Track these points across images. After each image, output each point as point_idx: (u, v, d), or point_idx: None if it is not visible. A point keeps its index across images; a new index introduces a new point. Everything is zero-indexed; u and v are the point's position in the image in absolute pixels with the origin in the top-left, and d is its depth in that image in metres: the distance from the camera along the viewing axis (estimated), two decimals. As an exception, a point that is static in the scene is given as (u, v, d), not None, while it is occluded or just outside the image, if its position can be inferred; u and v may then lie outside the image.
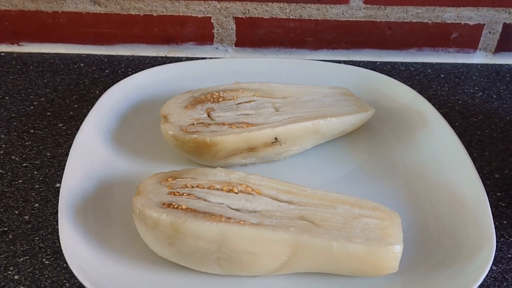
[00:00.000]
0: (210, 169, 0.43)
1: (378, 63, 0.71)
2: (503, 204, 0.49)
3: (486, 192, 0.44)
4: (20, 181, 0.50)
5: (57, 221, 0.45)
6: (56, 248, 0.44)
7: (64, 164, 0.49)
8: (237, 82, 0.54)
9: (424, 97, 0.57)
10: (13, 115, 0.59)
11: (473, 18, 0.69)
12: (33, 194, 0.49)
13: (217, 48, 0.71)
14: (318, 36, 0.70)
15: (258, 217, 0.39)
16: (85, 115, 0.53)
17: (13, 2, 0.67)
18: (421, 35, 0.70)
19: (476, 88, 0.67)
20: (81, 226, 0.42)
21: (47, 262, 0.42)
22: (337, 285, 0.40)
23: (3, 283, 0.40)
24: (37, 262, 0.42)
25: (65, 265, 0.42)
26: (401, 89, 0.58)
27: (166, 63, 0.66)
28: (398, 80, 0.60)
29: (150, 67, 0.64)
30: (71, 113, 0.59)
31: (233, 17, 0.69)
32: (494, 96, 0.65)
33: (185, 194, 0.40)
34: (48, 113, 0.59)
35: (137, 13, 0.68)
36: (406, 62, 0.71)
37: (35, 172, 0.51)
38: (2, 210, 0.47)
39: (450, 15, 0.68)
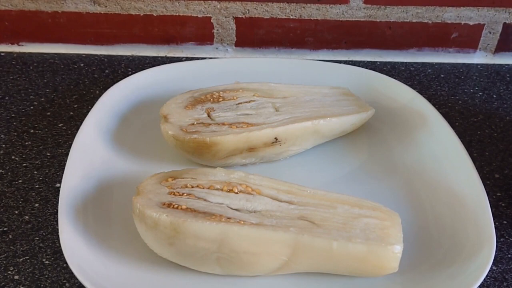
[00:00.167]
0: (210, 169, 0.43)
1: (378, 63, 0.71)
2: (503, 204, 0.49)
3: (486, 192, 0.44)
4: (20, 181, 0.50)
5: (57, 221, 0.45)
6: (56, 248, 0.44)
7: (64, 164, 0.49)
8: (237, 82, 0.54)
9: (424, 97, 0.57)
10: (13, 115, 0.59)
11: (473, 18, 0.69)
12: (33, 194, 0.49)
13: (217, 48, 0.71)
14: (318, 36, 0.70)
15: (258, 217, 0.39)
16: (85, 115, 0.53)
17: (13, 2, 0.67)
18: (421, 35, 0.70)
19: (476, 88, 0.67)
20: (81, 226, 0.42)
21: (47, 262, 0.42)
22: (337, 285, 0.40)
23: (3, 283, 0.40)
24: (37, 262, 0.42)
25: (65, 265, 0.42)
26: (401, 89, 0.58)
27: (166, 63, 0.66)
28: (398, 80, 0.60)
29: (150, 67, 0.64)
30: (71, 113, 0.59)
31: (233, 17, 0.69)
32: (494, 96, 0.65)
33: (185, 194, 0.40)
34: (48, 113, 0.59)
35: (137, 13, 0.68)
36: (406, 62, 0.71)
37: (35, 172, 0.51)
38: (2, 210, 0.47)
39: (450, 15, 0.68)
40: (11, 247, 0.44)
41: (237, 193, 0.41)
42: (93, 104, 0.54)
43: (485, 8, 0.68)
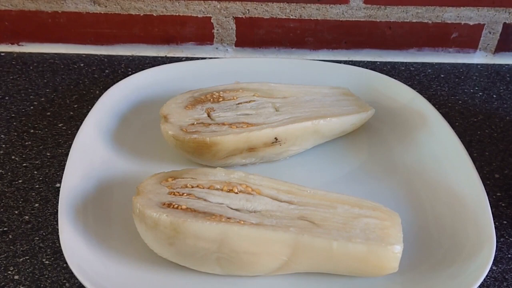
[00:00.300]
0: (210, 169, 0.43)
1: (378, 63, 0.71)
2: (503, 204, 0.49)
3: (486, 192, 0.44)
4: (20, 181, 0.50)
5: (57, 221, 0.45)
6: (56, 248, 0.44)
7: (64, 164, 0.49)
8: (237, 82, 0.54)
9: (424, 97, 0.57)
10: (13, 115, 0.59)
11: (473, 18, 0.69)
12: (33, 194, 0.49)
13: (217, 48, 0.71)
14: (318, 36, 0.70)
15: (258, 217, 0.39)
16: (85, 115, 0.53)
17: (13, 2, 0.67)
18: (421, 35, 0.70)
19: (476, 88, 0.67)
20: (81, 226, 0.42)
21: (47, 262, 0.42)
22: (337, 285, 0.40)
23: (3, 283, 0.40)
24: (37, 262, 0.42)
25: (65, 265, 0.42)
26: (401, 89, 0.58)
27: (166, 63, 0.66)
28: (398, 80, 0.60)
29: (150, 67, 0.64)
30: (71, 113, 0.59)
31: (233, 17, 0.69)
32: (494, 96, 0.65)
33: (185, 194, 0.40)
34: (48, 113, 0.59)
35: (137, 13, 0.68)
36: (406, 62, 0.71)
37: (35, 172, 0.51)
38: (2, 210, 0.47)
39: (450, 15, 0.68)
40: (11, 247, 0.44)
41: (237, 193, 0.41)
42: (93, 104, 0.54)
43: (485, 8, 0.68)
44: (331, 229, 0.39)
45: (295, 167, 0.51)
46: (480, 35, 0.70)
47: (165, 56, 0.71)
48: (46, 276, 0.41)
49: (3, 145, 0.54)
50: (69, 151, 0.48)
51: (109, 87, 0.57)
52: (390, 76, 0.61)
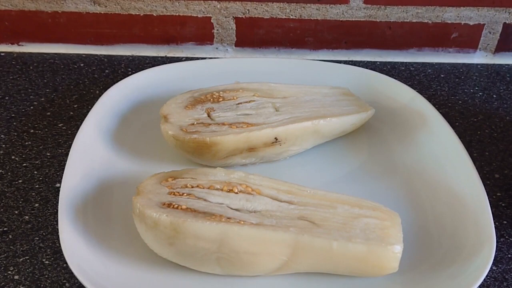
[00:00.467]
0: (210, 169, 0.43)
1: (378, 63, 0.71)
2: (503, 204, 0.49)
3: (486, 192, 0.44)
4: (20, 181, 0.50)
5: (57, 221, 0.45)
6: (56, 248, 0.44)
7: (64, 164, 0.49)
8: (237, 82, 0.54)
9: (424, 97, 0.57)
10: (13, 115, 0.59)
11: (473, 18, 0.69)
12: (33, 194, 0.49)
13: (217, 48, 0.71)
14: (318, 36, 0.70)
15: (258, 217, 0.39)
16: (85, 115, 0.53)
17: (13, 2, 0.67)
18: (421, 35, 0.70)
19: (476, 88, 0.67)
20: (81, 226, 0.42)
21: (47, 262, 0.42)
22: (337, 285, 0.40)
23: (3, 283, 0.40)
24: (37, 262, 0.42)
25: (65, 265, 0.42)
26: (401, 89, 0.58)
27: (166, 63, 0.66)
28: (398, 80, 0.60)
29: (150, 67, 0.64)
30: (71, 113, 0.59)
31: (233, 17, 0.69)
32: (494, 96, 0.65)
33: (185, 194, 0.40)
34: (48, 113, 0.59)
35: (137, 13, 0.68)
36: (406, 62, 0.71)
37: (35, 172, 0.51)
38: (2, 210, 0.47)
39: (450, 15, 0.68)
40: (11, 247, 0.44)
41: (237, 193, 0.41)
42: (93, 104, 0.54)
43: (485, 8, 0.68)
44: (331, 229, 0.39)
45: (295, 167, 0.51)
46: (480, 35, 0.70)
47: (165, 56, 0.71)
48: (46, 276, 0.41)
49: (3, 145, 0.54)
50: (69, 151, 0.48)
51: (109, 87, 0.57)
52: (390, 76, 0.61)
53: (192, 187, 0.41)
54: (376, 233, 0.39)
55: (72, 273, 0.39)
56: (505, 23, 0.69)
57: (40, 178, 0.50)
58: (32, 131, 0.56)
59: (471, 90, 0.66)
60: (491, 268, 0.42)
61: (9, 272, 0.41)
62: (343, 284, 0.40)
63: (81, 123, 0.51)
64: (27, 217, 0.46)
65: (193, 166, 0.49)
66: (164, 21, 0.69)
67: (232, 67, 0.61)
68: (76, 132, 0.50)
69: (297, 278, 0.40)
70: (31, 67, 0.67)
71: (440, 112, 0.54)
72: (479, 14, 0.68)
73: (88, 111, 0.53)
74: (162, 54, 0.71)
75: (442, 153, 0.50)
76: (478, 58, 0.72)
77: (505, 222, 0.47)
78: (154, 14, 0.68)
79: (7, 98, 0.61)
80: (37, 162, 0.52)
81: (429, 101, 0.56)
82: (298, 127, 0.49)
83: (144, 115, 0.55)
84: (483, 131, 0.59)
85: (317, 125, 0.50)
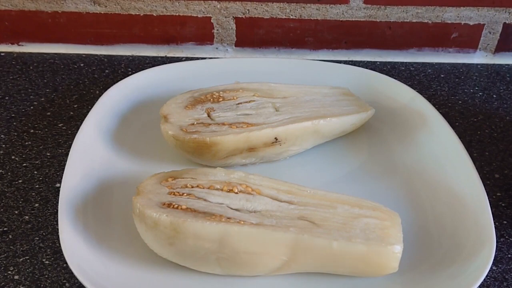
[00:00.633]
0: (210, 169, 0.43)
1: (378, 63, 0.71)
2: (503, 204, 0.49)
3: (486, 192, 0.44)
4: (20, 181, 0.50)
5: (57, 221, 0.45)
6: (56, 248, 0.44)
7: (64, 164, 0.49)
8: (237, 82, 0.54)
9: (424, 97, 0.57)
10: (13, 115, 0.59)
11: (473, 18, 0.69)
12: (33, 194, 0.49)
13: (217, 48, 0.71)
14: (318, 36, 0.70)
15: (258, 217, 0.39)
16: (85, 115, 0.53)
17: (13, 2, 0.67)
18: (421, 35, 0.70)
19: (476, 88, 0.67)
20: (81, 226, 0.42)
21: (47, 262, 0.42)
22: (337, 285, 0.40)
23: (3, 283, 0.40)
24: (37, 262, 0.42)
25: (65, 265, 0.42)
26: (401, 89, 0.58)
27: (166, 63, 0.66)
28: (398, 80, 0.60)
29: (150, 67, 0.64)
30: (71, 113, 0.59)
31: (233, 17, 0.69)
32: (494, 96, 0.65)
33: (185, 194, 0.40)
34: (48, 113, 0.59)
35: (137, 13, 0.68)
36: (406, 62, 0.71)
37: (35, 172, 0.51)
38: (2, 210, 0.47)
39: (450, 15, 0.68)
40: (11, 247, 0.44)
41: (237, 193, 0.41)
42: (93, 104, 0.54)
43: (485, 8, 0.68)
44: (331, 229, 0.39)
45: (295, 167, 0.51)
46: (480, 35, 0.70)
47: (165, 56, 0.71)
48: (46, 276, 0.41)
49: (3, 145, 0.54)
50: (69, 151, 0.48)
51: (109, 87, 0.57)
52: (390, 76, 0.61)
53: (192, 187, 0.41)
54: (376, 233, 0.39)
55: (72, 273, 0.39)
56: (505, 23, 0.69)
57: (40, 178, 0.50)
58: (32, 131, 0.56)
59: (471, 90, 0.66)
60: (491, 268, 0.42)
61: (9, 272, 0.41)
62: (343, 284, 0.40)
63: (81, 123, 0.51)
64: (27, 217, 0.46)
65: (193, 166, 0.49)
66: (164, 21, 0.69)
67: (232, 67, 0.61)
68: (76, 132, 0.50)
69: (297, 278, 0.40)
70: (31, 67, 0.67)
71: (440, 112, 0.54)
72: (479, 14, 0.68)
73: (88, 111, 0.53)
74: (162, 54, 0.71)
75: (442, 153, 0.50)
76: (478, 58, 0.72)
77: (505, 222, 0.47)
78: (154, 14, 0.68)
79: (7, 98, 0.61)
80: (37, 162, 0.52)
81: (429, 101, 0.56)
82: (298, 127, 0.49)
83: (144, 115, 0.55)
84: (483, 131, 0.59)
85: (317, 125, 0.50)
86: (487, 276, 0.42)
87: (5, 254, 0.43)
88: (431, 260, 0.42)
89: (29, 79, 0.65)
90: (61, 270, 0.42)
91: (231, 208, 0.40)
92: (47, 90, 0.63)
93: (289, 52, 0.72)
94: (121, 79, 0.59)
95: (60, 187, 0.44)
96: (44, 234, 0.45)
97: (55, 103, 0.61)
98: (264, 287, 0.40)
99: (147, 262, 0.41)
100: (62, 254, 0.40)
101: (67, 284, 0.41)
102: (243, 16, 0.69)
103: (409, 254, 0.41)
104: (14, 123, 0.57)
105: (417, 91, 0.58)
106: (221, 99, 0.51)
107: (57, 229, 0.45)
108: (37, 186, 0.49)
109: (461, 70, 0.70)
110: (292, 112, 0.51)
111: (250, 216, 0.39)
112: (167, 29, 0.70)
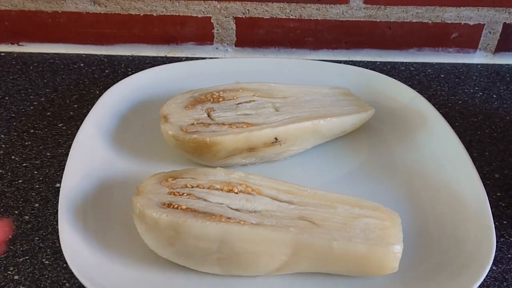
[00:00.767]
0: (210, 169, 0.43)
1: (378, 63, 0.71)
2: (503, 204, 0.49)
3: (486, 192, 0.44)
4: (20, 181, 0.50)
5: (57, 221, 0.45)
6: (56, 248, 0.44)
7: (64, 164, 0.49)
8: (237, 82, 0.54)
9: (424, 97, 0.57)
10: (13, 115, 0.59)
11: (473, 18, 0.69)
12: (33, 194, 0.49)
13: (217, 48, 0.71)
14: (318, 36, 0.70)
15: (258, 217, 0.39)
16: (85, 115, 0.53)
17: (13, 2, 0.67)
18: (421, 35, 0.70)
19: (476, 88, 0.67)
20: (81, 226, 0.42)
21: (47, 262, 0.42)
22: (337, 285, 0.40)
23: (3, 283, 0.40)
24: (37, 262, 0.42)
25: (65, 265, 0.42)
26: (401, 89, 0.58)
27: (166, 63, 0.66)
28: (398, 80, 0.60)
29: (150, 67, 0.64)
30: (71, 113, 0.59)
31: (233, 17, 0.69)
32: (494, 96, 0.65)
33: (185, 194, 0.40)
34: (48, 113, 0.59)
35: (137, 13, 0.68)
36: (406, 62, 0.71)
37: (35, 172, 0.51)
38: (2, 210, 0.47)
39: (450, 15, 0.68)
40: (11, 247, 0.44)
41: (237, 193, 0.41)
42: (93, 104, 0.54)
43: (485, 8, 0.68)
44: (331, 229, 0.39)
45: (295, 167, 0.51)
46: (480, 35, 0.70)
47: (165, 56, 0.71)
48: (46, 276, 0.41)
49: (3, 145, 0.54)
50: (69, 151, 0.48)
51: (109, 87, 0.57)
52: (390, 76, 0.61)
53: (192, 187, 0.41)
54: (376, 233, 0.39)
55: (72, 273, 0.39)
56: (505, 23, 0.69)
57: (40, 178, 0.50)
58: (32, 131, 0.56)
59: (471, 90, 0.66)
60: (491, 268, 0.42)
61: (9, 272, 0.41)
62: (343, 284, 0.40)
63: (81, 123, 0.51)
64: (27, 217, 0.46)
65: (193, 166, 0.49)
66: (164, 21, 0.69)
67: (232, 67, 0.61)
68: (76, 132, 0.50)
69: (297, 278, 0.40)
70: (31, 67, 0.67)
71: (440, 112, 0.54)
72: (479, 14, 0.68)
73: (88, 111, 0.53)
74: (162, 54, 0.71)
75: (442, 153, 0.50)
76: (478, 58, 0.72)
77: (505, 222, 0.47)
78: (154, 14, 0.68)
79: (7, 98, 0.61)
80: (37, 162, 0.52)
81: (429, 101, 0.56)
82: (298, 127, 0.49)
83: (144, 115, 0.55)
84: (483, 131, 0.59)
85: (317, 125, 0.50)
86: (487, 276, 0.42)
87: (5, 254, 0.43)
88: (431, 260, 0.42)
89: (29, 79, 0.65)
90: (61, 270, 0.42)
91: (231, 208, 0.40)
92: (47, 90, 0.63)
93: (289, 52, 0.72)
94: (121, 79, 0.59)
95: (60, 187, 0.44)
96: (44, 234, 0.45)
97: (55, 103, 0.61)
98: (264, 287, 0.40)
99: (147, 262, 0.41)
100: (62, 254, 0.40)
101: (67, 284, 0.41)
102: (243, 16, 0.69)
103: (409, 254, 0.41)
104: (14, 123, 0.57)
105: (417, 91, 0.58)
106: (221, 99, 0.51)
107: (57, 229, 0.45)
108: (37, 186, 0.49)
109: (461, 70, 0.70)
110: (292, 112, 0.51)
111: (250, 216, 0.39)
112: (167, 29, 0.70)
